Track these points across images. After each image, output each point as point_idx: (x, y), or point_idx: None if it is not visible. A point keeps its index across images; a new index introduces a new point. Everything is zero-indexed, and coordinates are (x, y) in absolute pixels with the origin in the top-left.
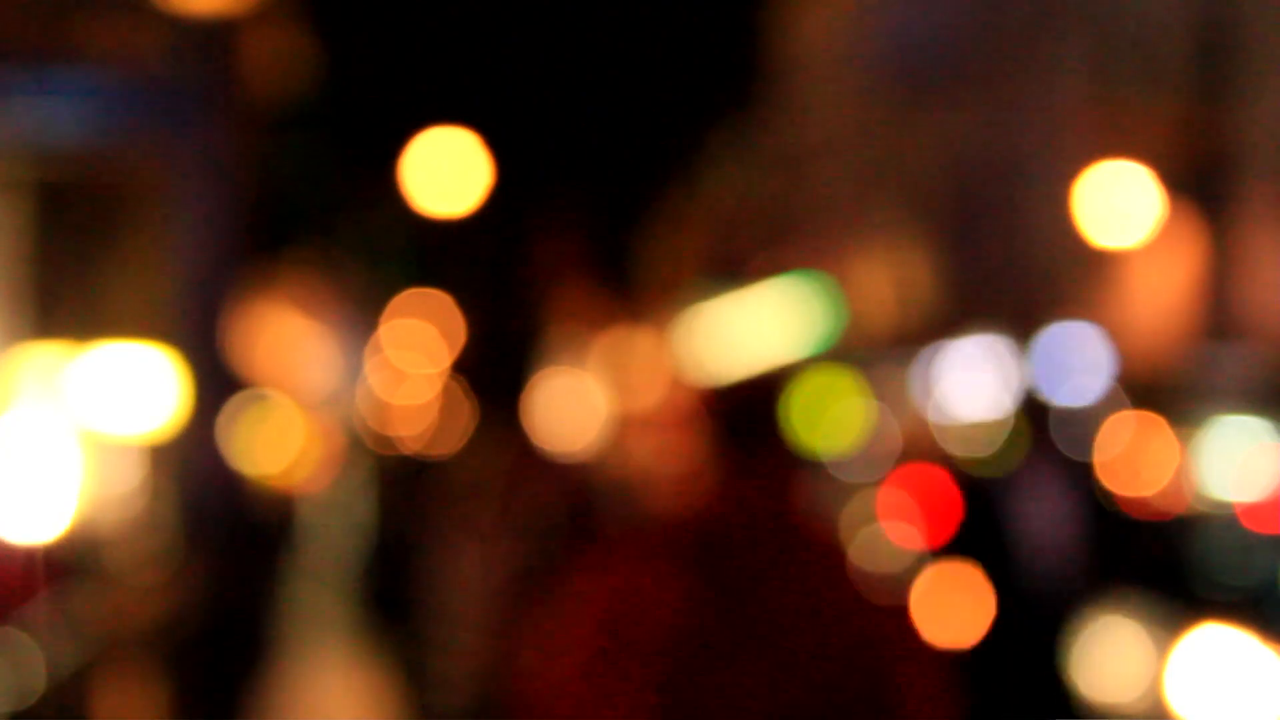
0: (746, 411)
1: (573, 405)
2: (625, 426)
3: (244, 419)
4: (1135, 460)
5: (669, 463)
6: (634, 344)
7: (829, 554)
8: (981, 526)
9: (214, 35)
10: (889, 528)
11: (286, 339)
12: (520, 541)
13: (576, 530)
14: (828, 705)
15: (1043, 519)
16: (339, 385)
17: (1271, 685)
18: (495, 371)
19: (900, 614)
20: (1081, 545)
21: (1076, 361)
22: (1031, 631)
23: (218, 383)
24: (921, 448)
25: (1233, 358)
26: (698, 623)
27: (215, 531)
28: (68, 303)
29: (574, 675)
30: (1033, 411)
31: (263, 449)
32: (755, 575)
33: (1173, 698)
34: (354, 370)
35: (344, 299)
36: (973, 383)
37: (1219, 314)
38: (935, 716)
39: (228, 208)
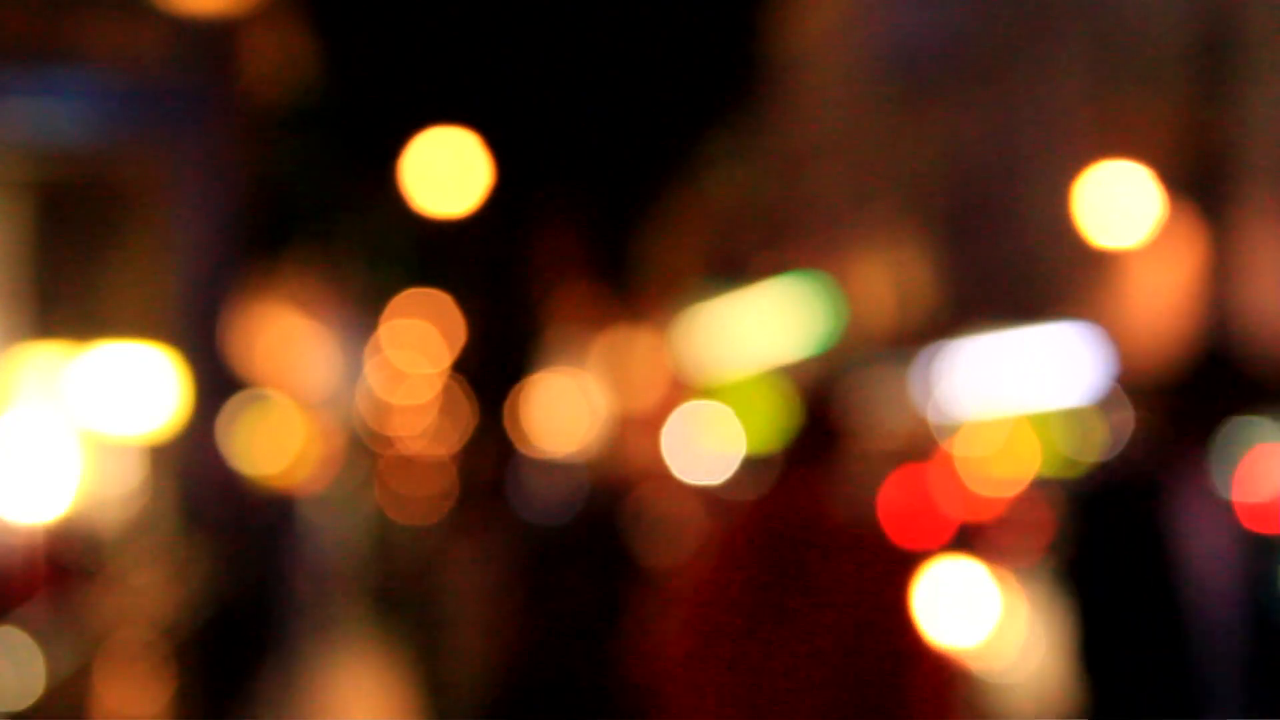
0: (811, 419)
1: (572, 405)
2: (625, 425)
3: (244, 419)
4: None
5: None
6: (634, 344)
7: (884, 557)
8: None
9: (214, 35)
10: (889, 527)
11: (286, 339)
12: (517, 538)
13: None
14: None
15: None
16: (339, 385)
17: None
18: (495, 371)
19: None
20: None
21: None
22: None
23: (218, 383)
24: (922, 448)
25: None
26: (767, 616)
27: (215, 531)
28: (68, 303)
29: (679, 661)
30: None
31: (263, 449)
32: (815, 575)
33: None
34: (354, 370)
35: (344, 299)
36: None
37: (1219, 314)
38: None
39: (228, 208)
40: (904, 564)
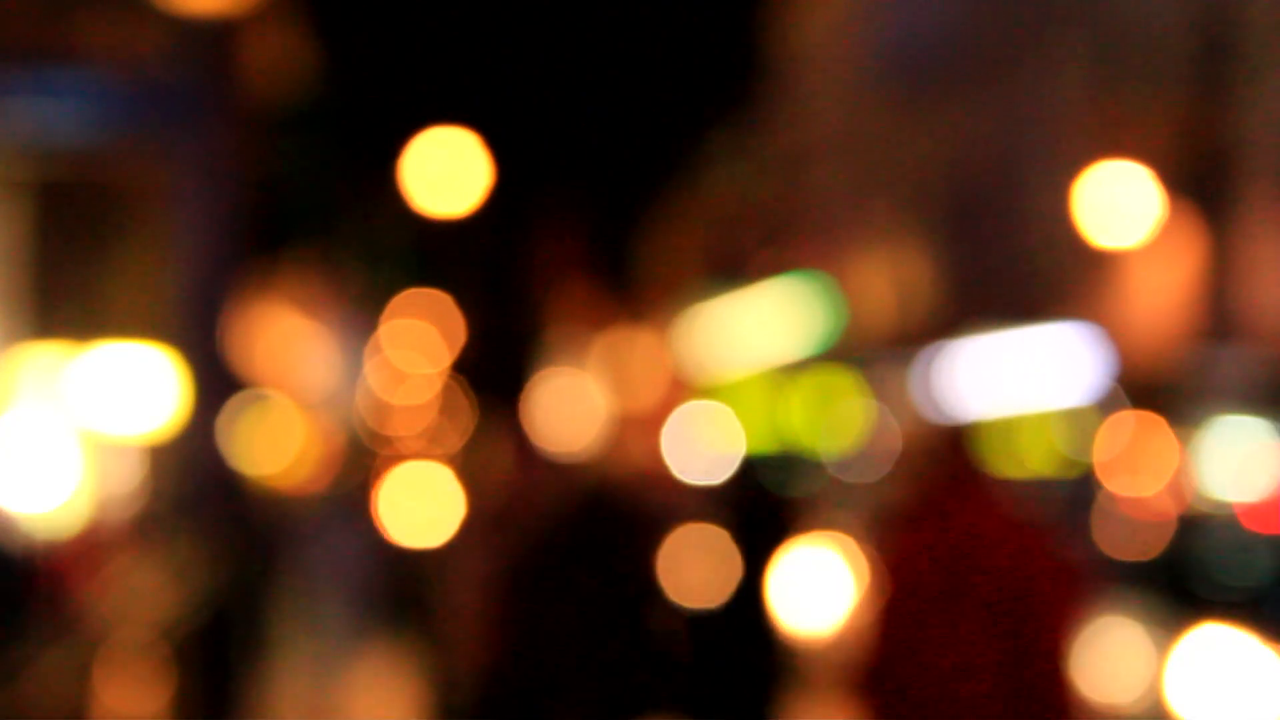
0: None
1: (572, 405)
2: (625, 425)
3: (244, 419)
4: (1135, 460)
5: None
6: (634, 344)
7: (1039, 552)
8: None
9: (214, 35)
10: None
11: (286, 339)
12: (519, 537)
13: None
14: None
15: None
16: (339, 385)
17: (1271, 685)
18: (495, 371)
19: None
20: None
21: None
22: None
23: (218, 383)
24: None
25: (1232, 358)
26: (946, 604)
27: (215, 531)
28: (68, 303)
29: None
30: None
31: (263, 449)
32: (985, 567)
33: (1173, 698)
34: (354, 370)
35: (344, 299)
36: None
37: (1219, 314)
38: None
39: (228, 207)
40: (1054, 558)
